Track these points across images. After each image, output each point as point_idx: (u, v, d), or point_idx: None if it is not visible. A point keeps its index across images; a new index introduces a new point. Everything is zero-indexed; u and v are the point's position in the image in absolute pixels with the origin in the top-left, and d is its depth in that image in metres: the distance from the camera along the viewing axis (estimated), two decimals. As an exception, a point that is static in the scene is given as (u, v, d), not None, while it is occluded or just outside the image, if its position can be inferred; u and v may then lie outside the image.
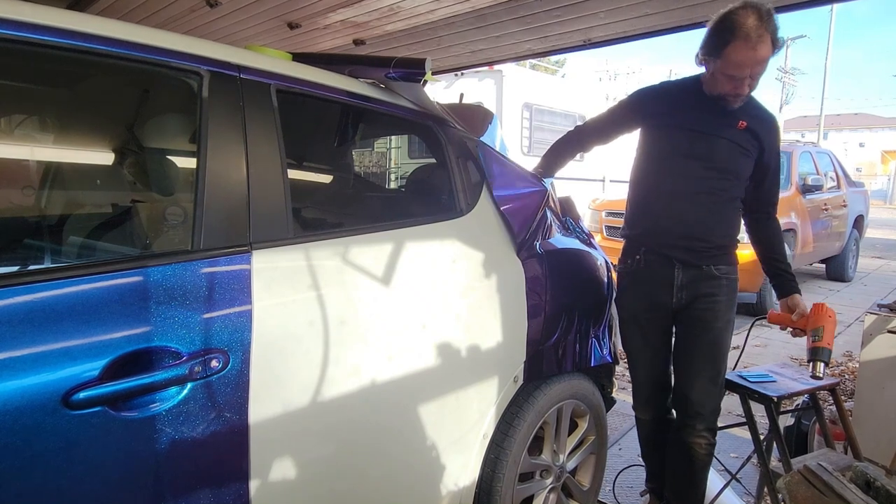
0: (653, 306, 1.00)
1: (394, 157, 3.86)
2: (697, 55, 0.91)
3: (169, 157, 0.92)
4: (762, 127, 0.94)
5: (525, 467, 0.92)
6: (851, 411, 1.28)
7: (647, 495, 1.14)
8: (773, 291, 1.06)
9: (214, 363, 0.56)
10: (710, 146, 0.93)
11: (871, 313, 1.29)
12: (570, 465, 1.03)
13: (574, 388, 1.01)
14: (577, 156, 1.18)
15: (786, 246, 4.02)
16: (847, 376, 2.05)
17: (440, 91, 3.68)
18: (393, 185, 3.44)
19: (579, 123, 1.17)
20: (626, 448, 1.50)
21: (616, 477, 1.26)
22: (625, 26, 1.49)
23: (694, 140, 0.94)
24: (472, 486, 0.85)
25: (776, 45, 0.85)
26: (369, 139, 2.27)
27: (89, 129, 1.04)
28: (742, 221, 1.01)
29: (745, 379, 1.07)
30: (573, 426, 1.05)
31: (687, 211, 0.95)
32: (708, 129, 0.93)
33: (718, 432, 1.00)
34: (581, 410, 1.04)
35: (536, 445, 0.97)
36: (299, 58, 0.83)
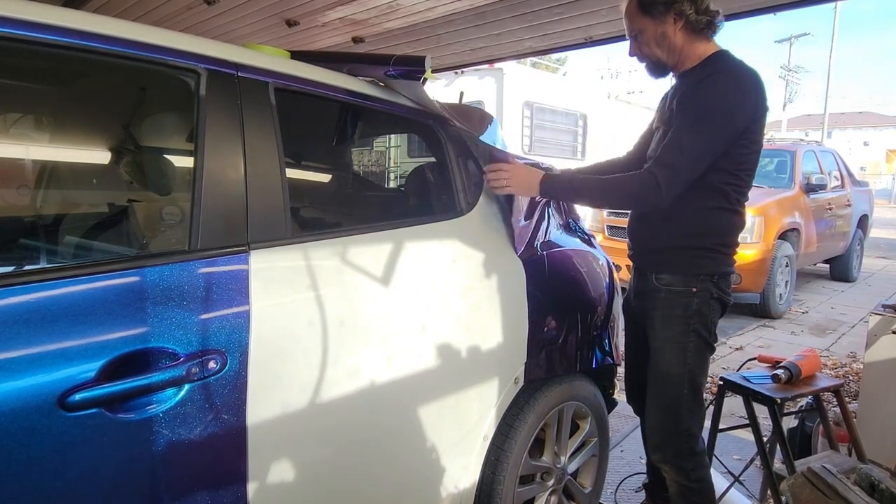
0: (625, 307, 1.02)
1: (393, 156, 3.86)
2: None
3: (166, 156, 0.91)
4: (683, 93, 0.81)
5: (526, 469, 0.91)
6: (855, 413, 1.27)
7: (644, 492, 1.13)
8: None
9: (212, 364, 0.56)
10: (654, 143, 0.87)
11: (876, 314, 1.27)
12: (572, 468, 1.02)
13: (575, 390, 1.00)
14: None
15: (790, 245, 3.84)
16: (851, 377, 2.04)
17: (440, 89, 3.66)
18: (392, 185, 3.44)
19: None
20: (627, 450, 1.49)
21: (621, 483, 1.25)
22: (627, 24, 1.48)
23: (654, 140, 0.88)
24: (472, 489, 0.84)
25: (639, 2, 0.79)
26: (368, 138, 2.27)
27: (85, 127, 1.04)
28: (717, 224, 0.83)
29: (747, 380, 1.06)
30: (574, 428, 1.04)
31: (638, 215, 0.91)
32: (658, 123, 0.88)
33: (721, 434, 0.98)
34: (582, 412, 1.04)
35: (537, 447, 0.96)
36: (298, 56, 0.82)
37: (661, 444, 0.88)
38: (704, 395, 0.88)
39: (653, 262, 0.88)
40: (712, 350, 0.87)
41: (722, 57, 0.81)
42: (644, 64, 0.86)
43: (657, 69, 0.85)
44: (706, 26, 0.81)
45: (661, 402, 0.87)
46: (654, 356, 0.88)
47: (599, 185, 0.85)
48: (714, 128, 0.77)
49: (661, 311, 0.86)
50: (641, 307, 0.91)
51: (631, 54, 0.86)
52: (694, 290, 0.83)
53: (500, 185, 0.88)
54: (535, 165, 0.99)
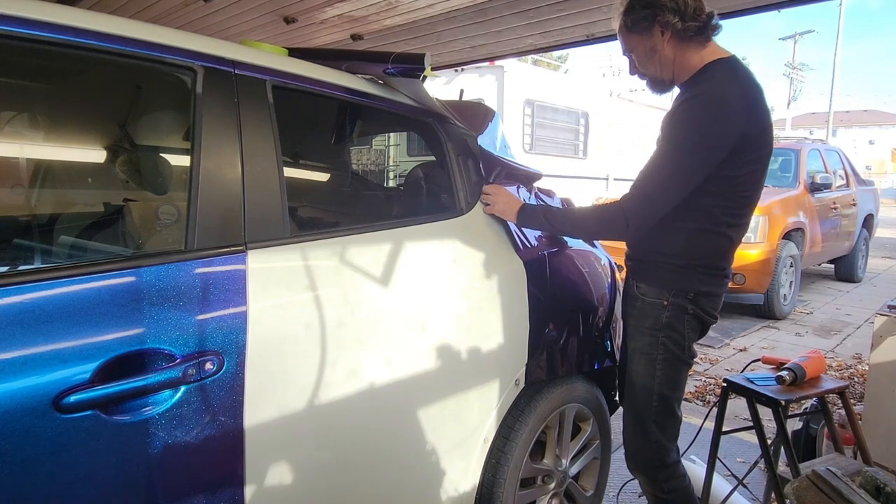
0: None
1: (392, 155, 3.85)
2: None
3: (162, 154, 0.91)
4: (666, 115, 0.78)
5: (527, 472, 0.91)
6: (861, 415, 1.25)
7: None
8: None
9: (209, 366, 0.55)
10: None
11: (881, 315, 1.26)
12: (573, 470, 1.02)
13: (577, 392, 0.99)
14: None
15: (794, 245, 3.80)
16: (856, 379, 2.02)
17: (440, 87, 3.64)
18: (391, 184, 3.43)
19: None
20: (629, 451, 1.48)
21: (623, 486, 1.24)
22: (630, 20, 1.46)
23: None
24: (472, 492, 0.83)
25: (624, 22, 0.79)
26: (367, 136, 2.26)
27: (81, 126, 1.03)
28: (693, 240, 0.78)
29: (751, 382, 1.05)
30: (576, 430, 1.03)
31: None
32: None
33: (724, 437, 0.96)
34: (584, 414, 1.03)
35: (538, 450, 0.95)
36: (295, 53, 0.81)
37: (632, 453, 0.88)
38: (679, 409, 0.85)
39: (635, 270, 0.87)
40: (687, 365, 0.84)
41: (711, 72, 0.76)
42: (645, 81, 0.84)
43: (657, 85, 0.83)
44: (697, 32, 0.76)
45: (632, 412, 0.87)
46: (627, 365, 0.87)
47: (571, 218, 0.86)
48: (687, 160, 0.73)
49: (633, 320, 0.85)
50: (623, 312, 0.91)
51: (631, 73, 0.85)
52: (665, 302, 0.81)
53: (485, 204, 0.89)
54: (524, 185, 0.98)
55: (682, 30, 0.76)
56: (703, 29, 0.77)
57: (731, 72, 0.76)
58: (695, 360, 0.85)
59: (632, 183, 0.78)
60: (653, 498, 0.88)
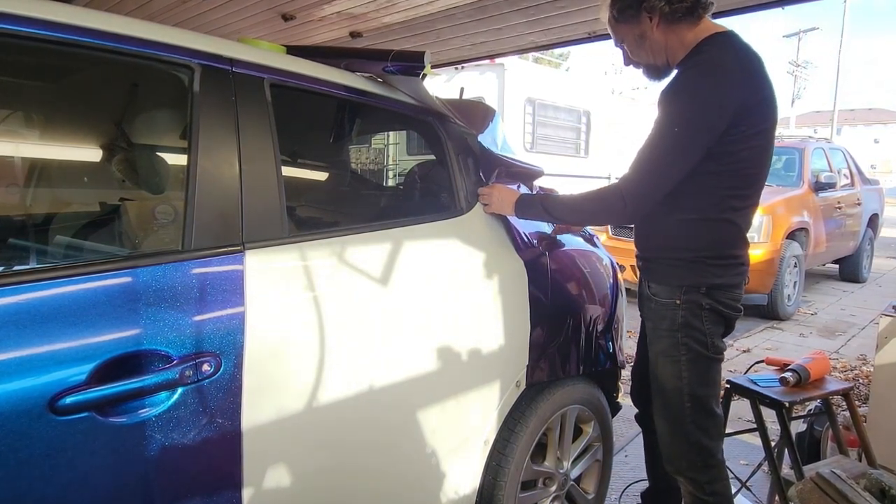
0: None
1: (392, 154, 3.84)
2: None
3: (159, 153, 0.90)
4: (661, 92, 0.76)
5: (528, 475, 0.90)
6: (866, 417, 1.25)
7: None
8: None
9: (206, 367, 0.55)
10: None
11: (886, 315, 1.25)
12: (575, 473, 1.01)
13: (578, 393, 0.99)
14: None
15: (798, 245, 3.76)
16: (861, 381, 2.01)
17: (440, 85, 3.62)
18: (391, 183, 3.42)
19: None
20: (632, 455, 1.46)
21: (625, 489, 1.23)
22: (632, 18, 1.44)
23: None
24: (472, 495, 0.83)
25: (612, 13, 0.77)
26: (366, 135, 2.25)
27: (76, 125, 1.03)
28: (698, 233, 0.75)
29: (755, 383, 1.04)
30: (577, 432, 1.02)
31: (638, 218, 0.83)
32: None
33: (728, 439, 0.94)
34: (586, 416, 1.02)
35: (539, 452, 0.94)
36: (294, 51, 0.81)
37: (671, 456, 0.84)
38: (717, 406, 0.81)
39: (644, 269, 0.84)
40: (715, 361, 0.80)
41: (706, 46, 0.73)
42: (641, 70, 0.83)
43: (653, 72, 0.81)
44: (686, 13, 0.73)
45: (665, 416, 0.83)
46: (651, 368, 0.84)
47: (569, 204, 0.82)
48: (684, 131, 0.70)
49: (650, 322, 0.83)
50: (641, 312, 0.89)
51: (625, 64, 0.84)
52: (678, 301, 0.77)
53: (483, 204, 0.88)
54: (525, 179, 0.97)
55: (669, 13, 0.74)
56: (693, 9, 0.74)
57: (728, 43, 0.73)
58: (724, 352, 0.80)
59: (628, 168, 0.75)
60: (693, 499, 0.83)
